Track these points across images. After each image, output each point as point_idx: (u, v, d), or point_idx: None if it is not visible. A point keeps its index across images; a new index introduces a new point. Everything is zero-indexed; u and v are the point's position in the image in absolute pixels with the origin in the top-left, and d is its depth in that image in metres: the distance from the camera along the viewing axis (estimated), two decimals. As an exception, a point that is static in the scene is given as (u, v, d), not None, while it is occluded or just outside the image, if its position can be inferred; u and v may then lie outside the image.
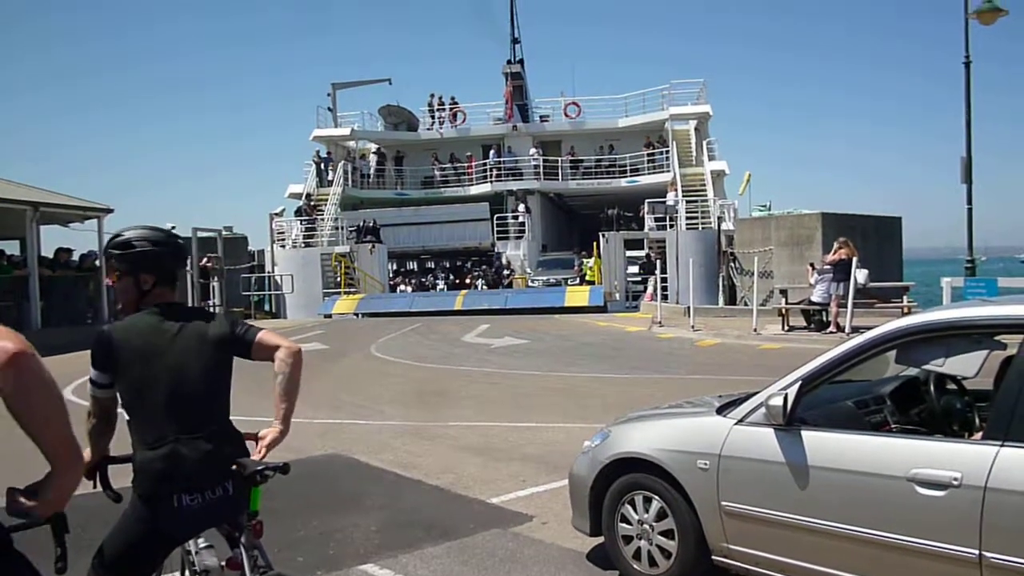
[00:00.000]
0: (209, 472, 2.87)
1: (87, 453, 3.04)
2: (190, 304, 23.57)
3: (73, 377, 12.22)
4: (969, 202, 17.52)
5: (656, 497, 4.33)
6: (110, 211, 21.98)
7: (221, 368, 3.04)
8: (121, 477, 3.10)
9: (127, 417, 2.92)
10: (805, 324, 16.66)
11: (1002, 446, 3.19)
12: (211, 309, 25.31)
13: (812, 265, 17.46)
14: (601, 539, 4.72)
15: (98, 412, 2.99)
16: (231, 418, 3.10)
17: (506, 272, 30.58)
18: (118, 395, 2.95)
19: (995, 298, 12.10)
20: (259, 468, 2.93)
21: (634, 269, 27.47)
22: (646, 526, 4.37)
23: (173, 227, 28.69)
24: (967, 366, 3.63)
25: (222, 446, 2.94)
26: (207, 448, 2.86)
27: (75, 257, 20.76)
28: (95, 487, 3.07)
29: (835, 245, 16.18)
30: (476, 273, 31.78)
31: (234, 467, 2.94)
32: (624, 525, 4.50)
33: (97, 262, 19.99)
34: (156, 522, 2.82)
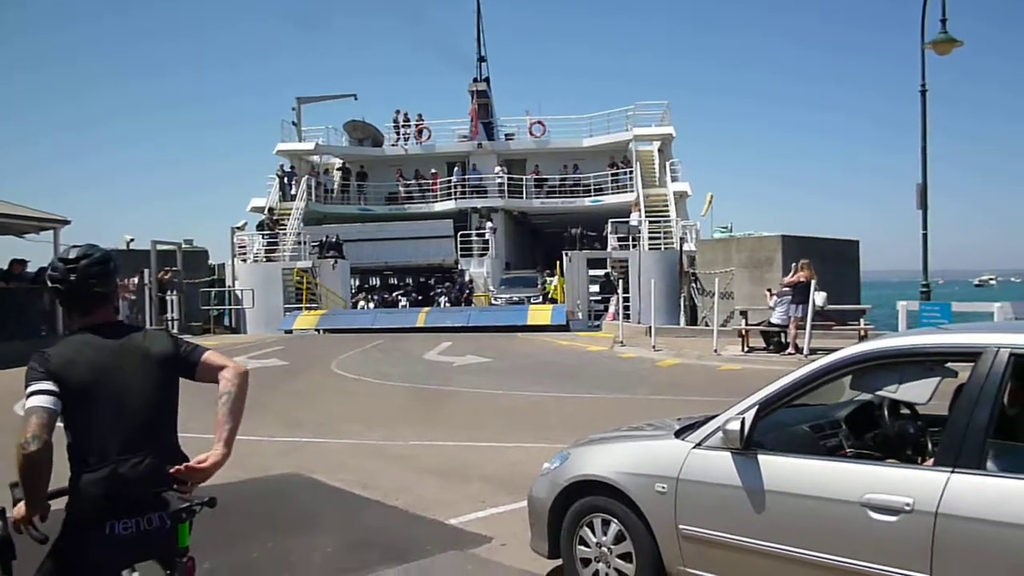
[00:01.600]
0: (148, 496, 2.76)
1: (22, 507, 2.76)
2: (147, 319, 23.31)
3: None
4: (925, 227, 17.89)
5: (615, 520, 4.33)
6: (67, 223, 21.61)
7: (167, 387, 2.95)
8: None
9: (68, 440, 2.78)
10: (764, 345, 16.88)
11: (952, 472, 3.24)
12: (169, 323, 24.96)
13: (770, 290, 17.67)
14: (560, 561, 4.71)
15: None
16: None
17: (467, 290, 30.54)
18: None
19: (949, 325, 12.39)
20: (183, 506, 2.81)
21: (595, 288, 27.60)
22: (604, 549, 4.37)
23: (131, 240, 28.38)
24: (920, 393, 3.69)
25: (164, 467, 2.81)
26: (149, 469, 2.75)
27: (30, 269, 20.32)
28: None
29: (794, 267, 16.41)
30: (439, 290, 31.70)
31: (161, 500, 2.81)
32: (583, 547, 4.49)
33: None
34: (87, 550, 2.68)
